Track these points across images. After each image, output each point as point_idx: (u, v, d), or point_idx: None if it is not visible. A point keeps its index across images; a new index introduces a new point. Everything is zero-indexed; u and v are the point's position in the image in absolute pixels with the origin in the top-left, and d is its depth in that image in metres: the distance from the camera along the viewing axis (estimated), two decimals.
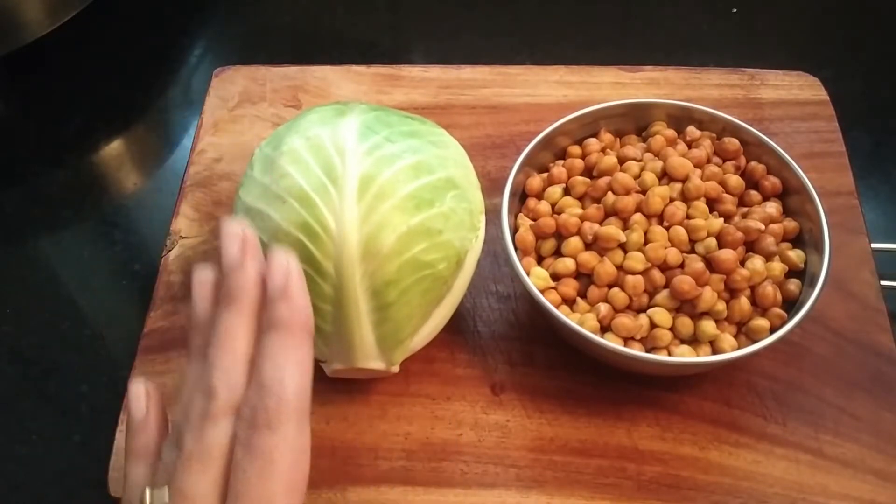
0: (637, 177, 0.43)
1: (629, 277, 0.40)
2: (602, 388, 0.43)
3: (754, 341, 0.39)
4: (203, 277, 0.33)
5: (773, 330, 0.39)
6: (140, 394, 0.33)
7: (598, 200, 0.43)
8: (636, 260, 0.40)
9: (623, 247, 0.41)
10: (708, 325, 0.39)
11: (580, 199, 0.44)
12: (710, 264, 0.40)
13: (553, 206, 0.44)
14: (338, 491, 0.41)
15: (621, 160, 0.44)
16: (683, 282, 0.39)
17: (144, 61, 0.66)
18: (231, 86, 0.56)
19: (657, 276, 0.40)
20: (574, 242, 0.42)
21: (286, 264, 0.31)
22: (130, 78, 0.64)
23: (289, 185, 0.38)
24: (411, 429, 0.42)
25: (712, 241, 0.41)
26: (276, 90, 0.56)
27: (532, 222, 0.43)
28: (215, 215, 0.50)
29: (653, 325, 0.40)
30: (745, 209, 0.43)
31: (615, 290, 0.41)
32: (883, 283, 0.46)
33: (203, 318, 0.32)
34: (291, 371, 0.29)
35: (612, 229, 0.41)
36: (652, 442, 0.41)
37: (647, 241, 0.41)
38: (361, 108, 0.42)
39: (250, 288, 0.31)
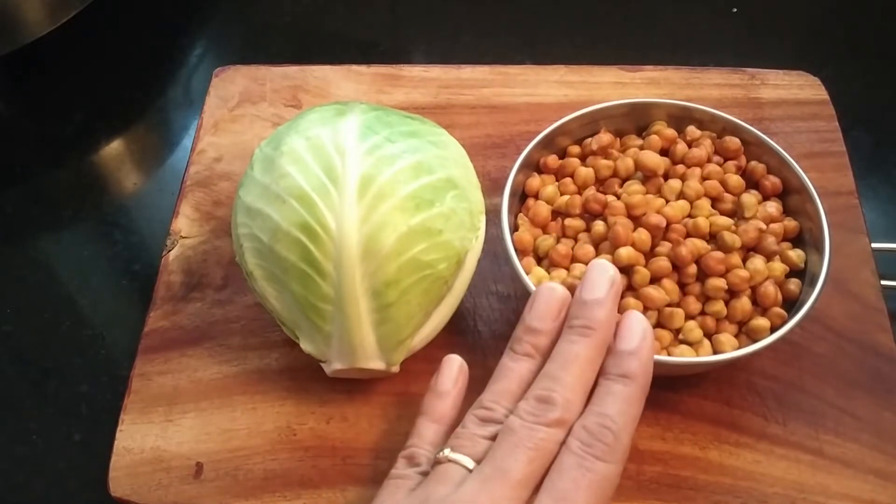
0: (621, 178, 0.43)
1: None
2: None
3: (755, 341, 0.39)
4: (559, 294, 0.36)
5: (773, 329, 0.39)
6: (454, 367, 0.38)
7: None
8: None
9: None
10: (710, 321, 0.40)
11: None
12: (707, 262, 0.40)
13: (552, 205, 0.44)
14: (338, 491, 0.41)
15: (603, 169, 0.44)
16: (687, 254, 0.39)
17: (144, 61, 0.66)
18: (231, 86, 0.56)
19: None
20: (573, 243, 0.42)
21: (645, 326, 0.35)
22: (130, 78, 0.64)
23: (289, 185, 0.38)
24: (412, 429, 0.42)
25: (730, 236, 0.40)
26: (276, 90, 0.56)
27: (531, 222, 0.44)
28: (215, 215, 0.50)
29: (654, 325, 0.40)
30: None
31: None
32: (883, 282, 0.46)
33: (541, 327, 0.35)
34: (628, 421, 0.33)
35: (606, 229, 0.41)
36: (652, 442, 0.41)
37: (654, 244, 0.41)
38: (361, 108, 0.42)
39: (608, 327, 0.34)
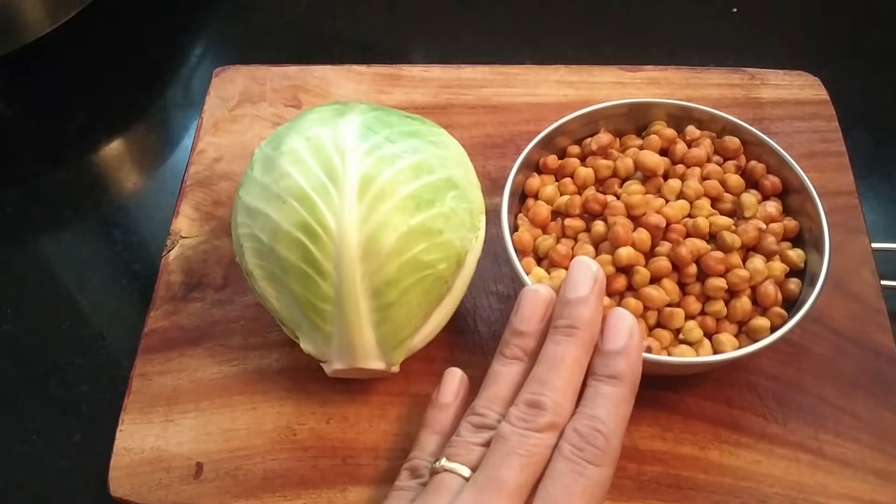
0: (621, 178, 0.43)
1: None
2: None
3: (755, 341, 0.39)
4: (543, 295, 0.36)
5: (773, 329, 0.39)
6: (455, 379, 0.39)
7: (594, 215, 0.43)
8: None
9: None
10: (710, 320, 0.40)
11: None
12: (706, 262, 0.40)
13: (552, 205, 0.44)
14: (338, 491, 0.41)
15: (603, 170, 0.44)
16: (687, 254, 0.39)
17: (144, 61, 0.66)
18: (231, 86, 0.56)
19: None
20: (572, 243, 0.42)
21: (631, 324, 0.34)
22: (130, 78, 0.64)
23: (289, 185, 0.38)
24: (411, 429, 0.42)
25: (730, 236, 0.40)
26: (276, 90, 0.56)
27: (531, 222, 0.44)
28: (215, 215, 0.50)
29: (654, 325, 0.40)
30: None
31: None
32: (883, 282, 0.46)
33: (527, 329, 0.36)
34: (619, 422, 0.33)
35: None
36: (652, 442, 0.41)
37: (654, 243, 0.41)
38: (361, 108, 0.42)
39: (594, 325, 0.34)
